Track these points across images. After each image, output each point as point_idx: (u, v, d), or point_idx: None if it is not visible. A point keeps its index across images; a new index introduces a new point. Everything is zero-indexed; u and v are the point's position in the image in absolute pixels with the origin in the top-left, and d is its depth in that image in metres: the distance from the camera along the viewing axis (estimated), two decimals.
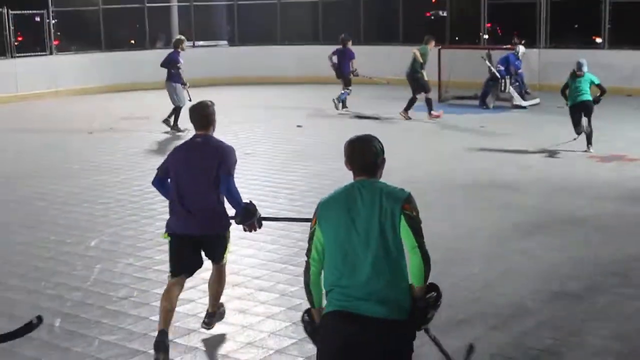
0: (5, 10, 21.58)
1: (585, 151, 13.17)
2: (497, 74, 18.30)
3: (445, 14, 23.06)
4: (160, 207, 10.07)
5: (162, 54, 24.38)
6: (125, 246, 8.59)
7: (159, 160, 13.00)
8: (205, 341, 6.19)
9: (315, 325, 4.11)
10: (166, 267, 7.50)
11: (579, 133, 13.35)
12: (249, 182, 11.47)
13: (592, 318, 6.54)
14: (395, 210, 3.92)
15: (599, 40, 21.38)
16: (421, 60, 16.81)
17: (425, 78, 16.90)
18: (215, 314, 6.35)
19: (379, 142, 4.21)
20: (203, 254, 6.18)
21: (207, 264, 6.23)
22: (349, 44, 18.29)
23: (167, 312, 5.86)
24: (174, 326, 6.36)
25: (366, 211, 3.94)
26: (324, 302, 4.11)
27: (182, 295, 6.99)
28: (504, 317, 6.52)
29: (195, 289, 7.23)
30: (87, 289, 7.34)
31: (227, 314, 6.61)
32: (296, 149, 13.94)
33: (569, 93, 13.43)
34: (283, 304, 6.87)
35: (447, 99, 19.37)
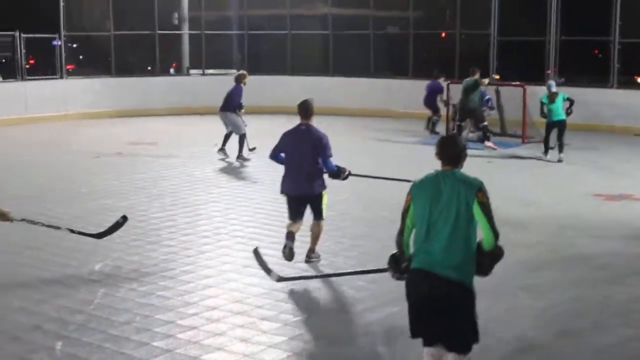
0: (18, 33, 21.74)
1: (558, 161, 15.76)
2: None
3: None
4: (164, 234, 10.10)
5: (173, 80, 24.78)
6: (129, 271, 8.58)
7: (166, 185, 13.09)
8: None
9: (402, 265, 5.35)
10: (169, 293, 7.58)
11: (547, 150, 16.18)
12: (256, 209, 11.48)
13: (596, 358, 6.49)
14: (471, 196, 5.03)
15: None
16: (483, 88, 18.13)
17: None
18: (314, 250, 8.94)
19: (462, 141, 5.51)
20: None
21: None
22: (441, 79, 20.15)
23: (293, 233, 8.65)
24: (175, 353, 6.35)
25: (448, 194, 5.04)
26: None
27: (183, 322, 7.00)
28: (508, 352, 6.47)
29: (198, 316, 7.22)
30: (89, 313, 7.32)
31: (228, 342, 6.59)
32: None
33: (546, 112, 16.13)
34: (285, 333, 6.84)
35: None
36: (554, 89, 16.17)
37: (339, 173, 9.17)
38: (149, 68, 25.03)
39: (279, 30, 25.92)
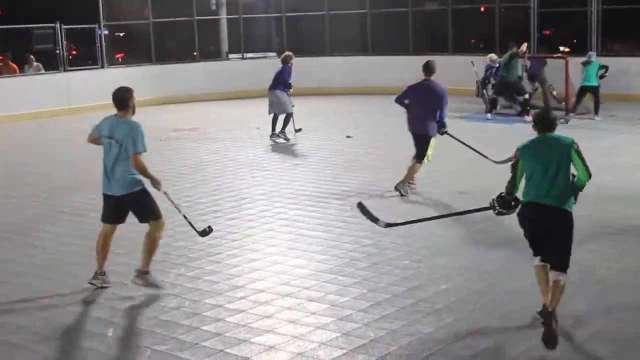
0: (58, 25, 21.94)
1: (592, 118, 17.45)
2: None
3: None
4: (210, 219, 10.14)
5: (213, 65, 24.83)
6: (177, 256, 8.64)
7: (210, 170, 13.11)
8: (256, 352, 6.17)
9: (510, 204, 6.79)
10: (217, 277, 7.64)
11: (573, 110, 17.76)
12: (299, 192, 11.49)
13: None
14: (568, 149, 6.50)
15: None
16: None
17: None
18: (404, 182, 11.08)
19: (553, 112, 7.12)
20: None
21: None
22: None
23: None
24: (225, 336, 6.39)
25: (549, 149, 6.55)
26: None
27: (231, 306, 7.04)
28: (563, 329, 6.39)
29: (246, 299, 7.25)
30: (138, 299, 7.39)
31: (277, 324, 6.62)
32: (346, 160, 13.92)
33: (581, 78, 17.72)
34: (333, 314, 6.85)
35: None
36: (593, 59, 17.78)
37: (443, 124, 11.31)
38: (194, 54, 25.02)
39: (317, 11, 25.83)
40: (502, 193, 6.81)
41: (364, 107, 21.62)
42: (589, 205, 10.25)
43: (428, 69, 11.28)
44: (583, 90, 17.75)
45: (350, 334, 6.42)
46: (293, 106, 16.07)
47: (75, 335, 6.68)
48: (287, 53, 16.56)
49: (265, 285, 7.65)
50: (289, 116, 16.06)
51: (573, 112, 17.72)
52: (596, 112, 17.64)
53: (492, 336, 6.37)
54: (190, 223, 8.36)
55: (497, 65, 19.13)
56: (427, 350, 6.12)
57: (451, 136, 11.73)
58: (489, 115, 18.65)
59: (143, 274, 7.53)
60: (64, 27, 22.04)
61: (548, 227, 6.53)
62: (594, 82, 17.56)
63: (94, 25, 23.01)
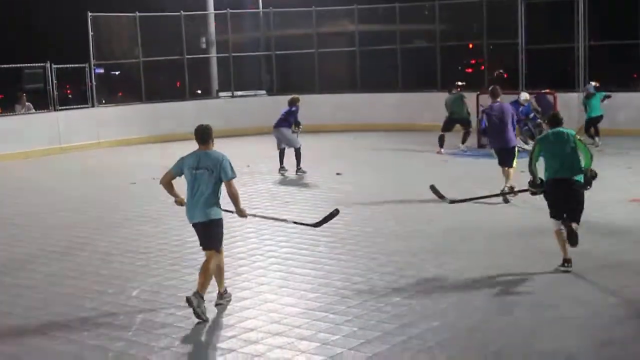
0: (49, 64, 22.03)
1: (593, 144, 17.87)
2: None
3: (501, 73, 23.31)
4: (200, 258, 10.11)
5: (204, 104, 24.91)
6: (167, 296, 8.61)
7: None
8: None
9: (539, 185, 9.35)
10: (208, 316, 7.59)
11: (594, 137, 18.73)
12: (289, 229, 11.47)
13: None
14: (574, 138, 9.03)
15: None
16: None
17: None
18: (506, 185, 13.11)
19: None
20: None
21: None
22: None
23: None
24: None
25: (564, 139, 9.06)
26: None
27: (222, 345, 6.99)
28: None
29: (237, 338, 7.22)
30: (128, 339, 7.35)
31: None
32: (336, 197, 13.93)
33: (586, 108, 18.93)
34: (324, 353, 6.82)
35: None
36: (592, 91, 18.90)
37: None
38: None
39: (306, 49, 26.02)
40: (529, 180, 9.45)
41: (354, 144, 21.71)
42: (580, 240, 10.30)
43: (494, 93, 13.54)
44: (591, 122, 18.87)
45: None
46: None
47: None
48: (295, 96, 17.54)
49: (255, 323, 7.63)
50: (298, 150, 16.75)
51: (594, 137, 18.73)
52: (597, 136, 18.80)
53: None
54: (300, 223, 10.02)
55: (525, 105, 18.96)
56: None
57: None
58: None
59: (222, 295, 8.19)
60: (54, 66, 22.12)
61: (564, 193, 8.94)
62: (599, 112, 18.81)
63: (84, 65, 23.11)
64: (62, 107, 22.50)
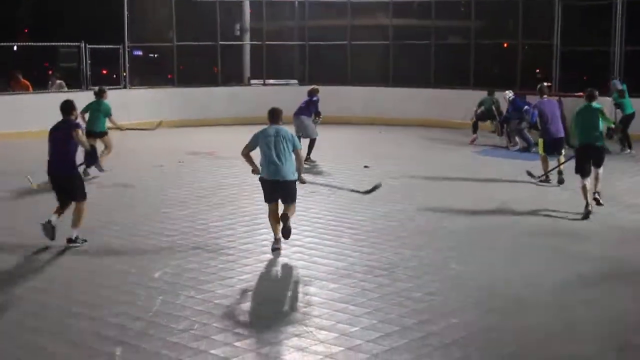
0: (83, 44, 22.18)
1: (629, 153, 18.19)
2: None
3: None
4: (223, 242, 10.17)
5: (234, 91, 24.98)
6: (188, 279, 8.65)
7: (226, 194, 13.12)
8: None
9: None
10: (227, 301, 7.64)
11: (629, 143, 18.26)
12: (314, 220, 11.49)
13: None
14: (599, 110, 12.15)
15: None
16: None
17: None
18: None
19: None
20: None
21: None
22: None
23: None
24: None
25: (591, 111, 12.14)
26: None
27: (240, 331, 7.01)
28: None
29: (256, 325, 7.23)
30: (149, 320, 7.40)
31: (285, 351, 6.61)
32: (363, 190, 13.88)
33: (621, 107, 18.53)
34: (342, 344, 6.82)
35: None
36: (619, 87, 18.62)
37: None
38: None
39: (339, 40, 25.99)
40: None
41: (382, 137, 21.68)
42: (603, 244, 10.24)
43: (542, 91, 15.04)
44: (628, 119, 18.31)
45: None
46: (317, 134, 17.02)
47: (82, 354, 6.68)
48: (315, 87, 17.77)
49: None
50: (313, 141, 16.90)
51: (630, 145, 18.30)
52: (630, 145, 18.28)
53: None
54: (353, 190, 11.88)
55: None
56: None
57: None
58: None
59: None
60: (88, 46, 22.27)
61: (591, 155, 11.98)
62: (632, 109, 18.41)
63: (118, 46, 23.25)
64: (94, 87, 22.60)
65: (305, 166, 15.99)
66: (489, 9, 24.82)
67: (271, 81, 25.71)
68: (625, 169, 16.24)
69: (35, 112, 19.94)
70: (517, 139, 19.10)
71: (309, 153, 16.77)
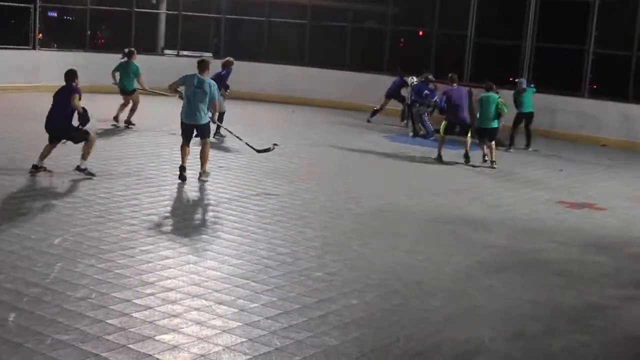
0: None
1: (530, 149, 18.35)
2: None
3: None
4: (127, 212, 10.05)
5: (147, 59, 24.55)
6: (88, 247, 8.52)
7: (132, 164, 12.96)
8: (159, 350, 6.11)
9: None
10: (127, 271, 7.55)
11: (512, 143, 18.27)
12: (220, 195, 11.45)
13: None
14: (494, 100, 15.37)
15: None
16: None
17: None
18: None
19: None
20: None
21: None
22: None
23: None
24: (129, 331, 6.33)
25: (487, 98, 15.29)
26: None
27: (139, 302, 6.96)
28: (460, 353, 6.52)
29: (155, 296, 7.18)
30: (45, 286, 7.26)
31: (183, 324, 6.58)
32: (270, 167, 13.92)
33: (519, 104, 18.47)
34: (241, 319, 6.83)
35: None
36: (524, 86, 18.65)
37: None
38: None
39: (257, 16, 25.84)
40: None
41: (295, 117, 21.69)
42: (503, 235, 10.51)
43: (452, 79, 16.47)
44: (521, 117, 18.41)
45: (256, 341, 6.41)
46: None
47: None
48: (229, 58, 17.75)
49: (175, 284, 7.59)
50: (221, 115, 16.32)
51: (512, 142, 18.33)
52: (529, 142, 18.49)
53: (395, 356, 6.43)
54: (250, 146, 13.41)
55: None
56: None
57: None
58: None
59: (203, 173, 12.21)
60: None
61: (486, 133, 15.22)
62: (531, 109, 18.51)
63: (29, 5, 22.63)
64: (1, 47, 22.02)
65: (213, 140, 15.95)
66: None
67: (185, 52, 25.38)
68: (529, 162, 16.66)
69: None
70: (419, 125, 19.38)
71: (217, 128, 16.39)
